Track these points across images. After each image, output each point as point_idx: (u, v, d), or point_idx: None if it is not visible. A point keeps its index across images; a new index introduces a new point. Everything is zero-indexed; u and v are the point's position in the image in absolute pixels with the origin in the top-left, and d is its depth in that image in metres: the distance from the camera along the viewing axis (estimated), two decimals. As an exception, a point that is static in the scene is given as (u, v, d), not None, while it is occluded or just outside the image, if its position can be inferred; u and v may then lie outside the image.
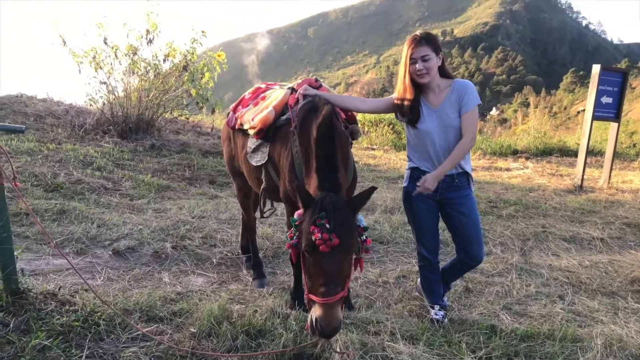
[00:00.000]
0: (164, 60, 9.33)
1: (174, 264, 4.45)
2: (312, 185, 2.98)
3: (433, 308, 3.65)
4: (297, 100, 3.51)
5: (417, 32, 3.38)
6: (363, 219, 2.97)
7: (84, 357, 2.70)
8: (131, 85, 9.22)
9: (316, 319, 2.59)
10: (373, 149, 12.40)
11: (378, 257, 4.99)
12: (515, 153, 12.50)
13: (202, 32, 9.24)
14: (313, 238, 2.59)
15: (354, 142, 3.92)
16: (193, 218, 5.57)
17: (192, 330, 3.14)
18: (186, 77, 9.25)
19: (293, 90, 3.69)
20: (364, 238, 2.93)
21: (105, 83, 9.06)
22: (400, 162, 10.54)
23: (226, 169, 4.55)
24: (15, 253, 3.09)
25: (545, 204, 7.19)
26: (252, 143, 3.77)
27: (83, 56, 8.75)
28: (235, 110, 4.05)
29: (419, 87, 3.39)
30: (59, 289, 3.36)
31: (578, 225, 6.31)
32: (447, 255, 4.86)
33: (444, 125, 3.37)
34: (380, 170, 9.60)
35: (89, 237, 4.67)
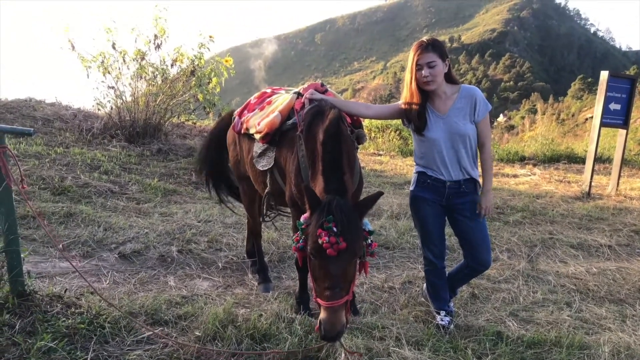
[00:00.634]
0: (172, 65, 9.37)
1: (179, 268, 4.46)
2: (317, 188, 2.98)
3: (439, 314, 3.63)
4: (303, 105, 3.52)
5: (424, 38, 3.36)
6: (369, 223, 2.97)
7: (88, 359, 2.71)
8: (139, 90, 9.26)
9: (320, 321, 2.60)
10: (380, 155, 12.39)
11: (384, 262, 4.98)
12: (522, 160, 12.45)
13: (210, 37, 9.29)
14: (320, 241, 2.59)
15: (359, 146, 3.91)
16: (199, 222, 5.58)
17: (197, 333, 3.14)
18: (193, 82, 9.29)
19: (299, 94, 3.70)
20: (370, 242, 2.93)
21: (113, 87, 9.11)
22: (406, 167, 10.52)
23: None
24: (21, 255, 3.11)
25: (553, 210, 7.15)
26: (258, 147, 3.77)
27: (91, 61, 8.81)
28: (241, 114, 4.06)
29: (425, 94, 3.37)
30: (65, 292, 3.38)
31: (586, 232, 6.27)
32: (453, 261, 4.84)
33: (451, 133, 3.36)
34: (387, 175, 9.59)
35: (95, 240, 4.69)
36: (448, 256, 4.17)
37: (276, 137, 3.61)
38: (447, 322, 3.56)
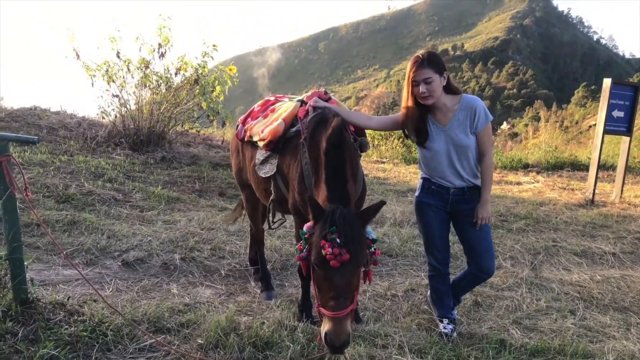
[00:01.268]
0: (176, 74, 9.43)
1: (182, 276, 4.46)
2: (320, 196, 2.99)
3: (442, 321, 3.63)
4: (307, 112, 3.53)
5: (420, 53, 3.33)
6: (372, 231, 2.97)
7: (91, 367, 2.71)
8: (143, 98, 9.31)
9: (325, 332, 2.59)
10: (383, 162, 12.40)
11: (387, 270, 4.97)
12: (526, 167, 12.43)
13: (214, 45, 9.34)
14: (324, 252, 2.58)
15: (363, 154, 3.92)
16: (202, 230, 5.59)
17: (200, 341, 3.15)
18: (197, 91, 9.33)
19: (302, 102, 3.72)
20: (373, 250, 2.92)
21: (117, 96, 9.16)
22: (409, 175, 10.52)
23: (234, 180, 4.57)
24: (25, 263, 3.12)
25: (556, 218, 7.13)
26: (260, 155, 3.78)
27: (96, 69, 8.87)
28: (244, 122, 4.08)
29: (424, 107, 3.36)
30: (68, 299, 3.39)
31: (589, 239, 6.25)
32: (456, 269, 4.83)
33: (453, 144, 3.38)
34: (390, 183, 9.58)
35: (99, 248, 4.70)
36: (452, 264, 4.16)
37: (279, 144, 3.63)
38: (450, 330, 3.55)
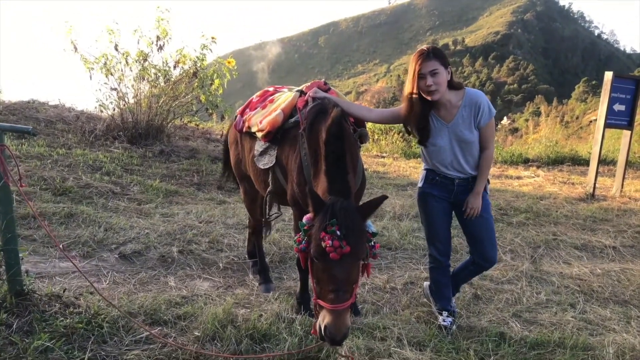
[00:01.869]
0: (174, 67, 9.37)
1: (180, 268, 4.43)
2: (320, 187, 2.95)
3: (441, 314, 3.60)
4: (306, 103, 3.49)
5: (424, 46, 3.28)
6: (372, 224, 2.93)
7: (86, 359, 2.68)
8: (141, 92, 9.26)
9: (325, 326, 2.55)
10: (383, 157, 12.35)
11: (386, 263, 4.94)
12: (526, 162, 12.38)
13: (212, 38, 9.28)
14: (323, 245, 2.55)
15: (362, 145, 3.88)
16: (200, 223, 5.56)
17: (196, 333, 3.12)
18: (196, 84, 9.28)
19: (302, 92, 3.67)
20: (372, 243, 2.89)
21: (115, 89, 9.11)
22: (409, 169, 10.49)
23: (233, 172, 4.54)
24: (20, 255, 3.09)
25: (557, 211, 7.10)
26: (259, 146, 3.74)
27: (94, 62, 8.82)
28: (242, 113, 4.03)
29: (427, 104, 3.30)
30: (64, 291, 3.36)
31: (590, 233, 6.22)
32: (456, 262, 4.79)
33: (457, 140, 3.35)
34: (390, 177, 9.55)
35: (96, 241, 4.67)
36: (452, 257, 4.13)
37: (278, 135, 3.58)
38: (449, 323, 3.53)
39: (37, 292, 3.20)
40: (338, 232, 2.54)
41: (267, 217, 3.99)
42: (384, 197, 2.82)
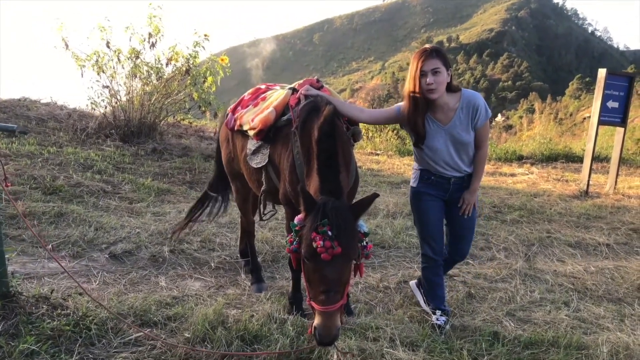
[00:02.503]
0: (167, 64, 9.28)
1: (171, 268, 4.38)
2: (312, 187, 2.91)
3: (435, 313, 3.58)
4: (299, 101, 3.45)
5: (426, 45, 3.29)
6: (364, 224, 2.89)
7: (73, 362, 2.63)
8: (134, 89, 9.17)
9: (315, 327, 2.53)
10: (377, 154, 12.32)
11: (379, 261, 4.91)
12: (520, 159, 12.38)
13: (205, 35, 9.19)
14: (314, 245, 2.51)
15: (355, 143, 3.84)
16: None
17: (187, 335, 3.08)
18: (188, 81, 9.20)
19: (294, 90, 3.63)
20: (365, 243, 2.85)
21: (107, 87, 9.02)
22: (404, 167, 10.46)
23: (225, 171, 4.49)
24: (6, 256, 3.03)
25: (550, 209, 7.09)
26: (252, 144, 3.69)
27: (86, 60, 8.72)
28: (234, 111, 3.98)
29: (426, 105, 3.29)
30: (52, 293, 3.30)
31: (583, 230, 6.21)
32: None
33: (454, 142, 3.36)
34: (384, 175, 9.51)
35: (86, 241, 4.61)
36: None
37: (270, 133, 3.54)
38: (442, 322, 3.50)
39: (24, 293, 3.14)
40: (329, 233, 2.51)
41: (263, 216, 3.95)
42: (376, 195, 2.79)
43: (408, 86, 3.29)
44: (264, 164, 3.57)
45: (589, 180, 8.43)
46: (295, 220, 2.79)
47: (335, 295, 2.56)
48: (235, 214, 5.79)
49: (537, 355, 3.19)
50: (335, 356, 2.88)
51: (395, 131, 13.79)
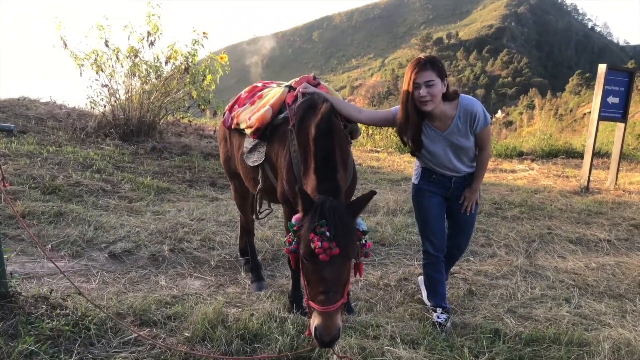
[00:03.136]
0: (166, 63, 9.27)
1: (171, 267, 4.37)
2: (310, 186, 2.90)
3: (435, 311, 3.57)
4: (296, 98, 3.43)
5: (421, 55, 3.24)
6: (363, 222, 2.88)
7: (72, 362, 2.62)
8: (133, 88, 9.16)
9: (315, 327, 2.51)
10: (377, 151, 12.31)
11: (380, 259, 4.90)
12: (520, 155, 12.37)
13: (204, 33, 9.17)
14: (313, 246, 2.49)
15: (353, 141, 3.83)
16: (192, 220, 5.49)
17: (186, 334, 3.06)
18: (188, 80, 9.19)
19: (291, 88, 3.61)
20: (364, 242, 2.83)
21: (106, 86, 9.01)
22: (404, 164, 10.44)
23: (223, 170, 4.47)
24: (4, 256, 3.02)
25: (551, 205, 7.07)
26: (248, 143, 3.68)
27: (84, 59, 8.71)
28: (231, 109, 3.96)
29: (422, 115, 3.27)
30: (51, 293, 3.29)
31: (584, 226, 6.19)
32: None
33: (453, 147, 3.37)
34: (384, 172, 9.50)
35: (85, 240, 4.60)
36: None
37: (267, 131, 3.52)
38: (443, 320, 3.49)
39: (23, 293, 3.13)
40: (327, 233, 2.49)
41: (258, 214, 3.93)
42: (373, 193, 2.77)
43: (402, 97, 3.28)
44: (260, 162, 3.55)
45: (589, 176, 8.42)
46: (293, 220, 2.78)
47: (335, 295, 2.54)
48: (235, 213, 5.77)
49: (538, 352, 3.17)
50: (335, 357, 2.86)
51: (395, 128, 13.75)
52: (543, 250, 5.35)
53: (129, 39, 8.88)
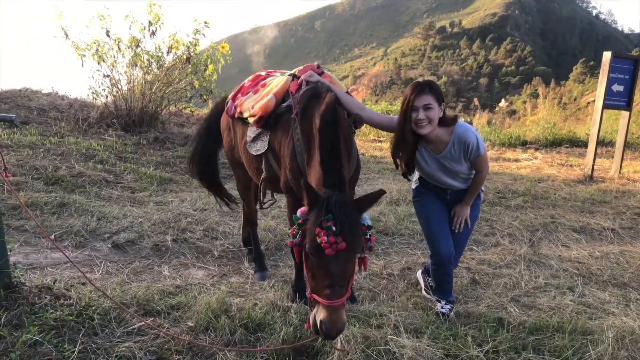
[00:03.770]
0: (168, 53, 9.22)
1: (174, 257, 4.38)
2: (314, 178, 2.88)
3: (439, 301, 3.55)
4: (299, 87, 3.40)
5: (420, 80, 3.29)
6: (367, 217, 2.86)
7: (76, 352, 2.63)
8: (134, 78, 9.13)
9: (321, 321, 2.50)
10: (380, 141, 12.26)
11: (383, 248, 4.89)
12: (524, 144, 12.32)
13: (205, 22, 9.11)
14: (319, 240, 2.48)
15: (357, 130, 3.80)
16: (195, 210, 5.50)
17: (190, 324, 3.07)
18: (189, 69, 9.16)
19: (294, 76, 3.58)
20: (368, 236, 2.82)
21: (108, 76, 8.98)
22: (406, 153, 10.40)
23: (226, 160, 4.45)
24: (8, 246, 3.02)
25: (555, 194, 7.05)
26: (251, 132, 3.66)
27: (86, 49, 8.67)
28: (234, 98, 3.94)
29: (417, 137, 3.28)
30: (55, 283, 3.30)
31: (588, 215, 6.17)
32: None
33: (445, 169, 3.39)
34: (387, 162, 9.45)
35: (88, 231, 4.60)
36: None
37: (270, 120, 3.50)
38: (447, 310, 3.48)
39: (27, 284, 3.14)
40: (334, 228, 2.48)
41: (262, 204, 3.92)
42: (382, 192, 2.76)
43: (399, 118, 3.29)
44: (264, 151, 3.53)
45: (593, 165, 8.38)
46: (298, 213, 2.75)
47: (341, 289, 2.53)
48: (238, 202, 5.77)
49: (542, 340, 3.17)
50: (339, 343, 2.87)
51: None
52: (547, 239, 5.34)
53: (130, 28, 8.84)
